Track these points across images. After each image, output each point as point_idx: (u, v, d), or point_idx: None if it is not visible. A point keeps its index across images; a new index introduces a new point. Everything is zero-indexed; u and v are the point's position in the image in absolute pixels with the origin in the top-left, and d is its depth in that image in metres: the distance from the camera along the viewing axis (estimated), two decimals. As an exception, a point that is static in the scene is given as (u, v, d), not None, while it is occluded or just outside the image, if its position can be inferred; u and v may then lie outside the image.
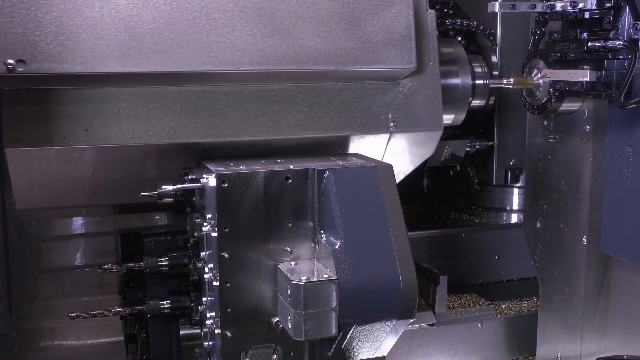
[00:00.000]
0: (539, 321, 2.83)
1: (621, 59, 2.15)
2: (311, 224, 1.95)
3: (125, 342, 2.46)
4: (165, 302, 2.24)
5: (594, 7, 2.21)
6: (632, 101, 2.11)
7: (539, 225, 2.75)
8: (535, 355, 2.89)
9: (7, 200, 2.27)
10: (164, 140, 2.03)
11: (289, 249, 1.94)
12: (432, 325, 2.84)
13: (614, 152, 2.31)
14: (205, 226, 1.95)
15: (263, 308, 1.93)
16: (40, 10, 1.82)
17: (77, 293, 2.62)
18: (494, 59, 3.12)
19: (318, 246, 1.95)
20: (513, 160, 3.38)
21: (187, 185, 2.02)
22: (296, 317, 1.79)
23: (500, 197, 3.57)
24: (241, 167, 1.94)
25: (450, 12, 3.18)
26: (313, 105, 2.17)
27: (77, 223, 2.60)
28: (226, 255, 1.88)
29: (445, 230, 3.39)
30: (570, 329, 2.64)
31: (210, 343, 2.04)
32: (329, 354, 1.91)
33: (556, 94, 2.40)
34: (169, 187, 2.03)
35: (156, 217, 2.58)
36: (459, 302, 3.01)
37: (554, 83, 2.39)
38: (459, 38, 3.11)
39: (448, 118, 2.50)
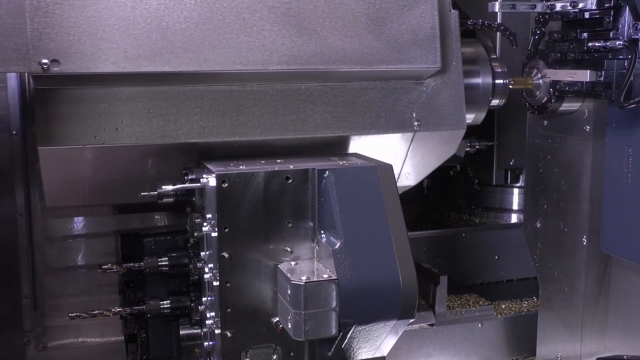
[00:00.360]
0: (539, 321, 2.83)
1: (621, 59, 2.15)
2: (311, 224, 1.95)
3: (125, 342, 2.46)
4: (165, 302, 2.24)
5: (594, 7, 2.21)
6: (632, 101, 2.11)
7: (539, 225, 2.74)
8: (535, 355, 2.88)
9: (33, 199, 2.29)
10: (193, 139, 2.05)
11: (289, 249, 1.94)
12: (432, 325, 2.84)
13: (614, 152, 2.31)
14: (205, 226, 1.95)
15: (263, 308, 1.93)
16: (74, 11, 1.83)
17: (77, 293, 2.62)
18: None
19: (318, 246, 1.95)
20: (513, 160, 3.38)
21: (187, 185, 2.02)
22: (296, 317, 1.79)
23: (500, 197, 3.57)
24: (241, 167, 1.94)
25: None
26: (339, 105, 2.18)
27: (78, 223, 2.61)
28: (226, 255, 1.88)
29: (445, 230, 3.39)
30: (570, 329, 2.63)
31: (210, 343, 2.04)
32: (329, 354, 1.91)
33: (556, 94, 2.40)
34: (169, 187, 2.03)
35: (156, 217, 2.58)
36: (459, 302, 3.01)
37: (554, 83, 2.39)
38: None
39: (469, 117, 2.50)
